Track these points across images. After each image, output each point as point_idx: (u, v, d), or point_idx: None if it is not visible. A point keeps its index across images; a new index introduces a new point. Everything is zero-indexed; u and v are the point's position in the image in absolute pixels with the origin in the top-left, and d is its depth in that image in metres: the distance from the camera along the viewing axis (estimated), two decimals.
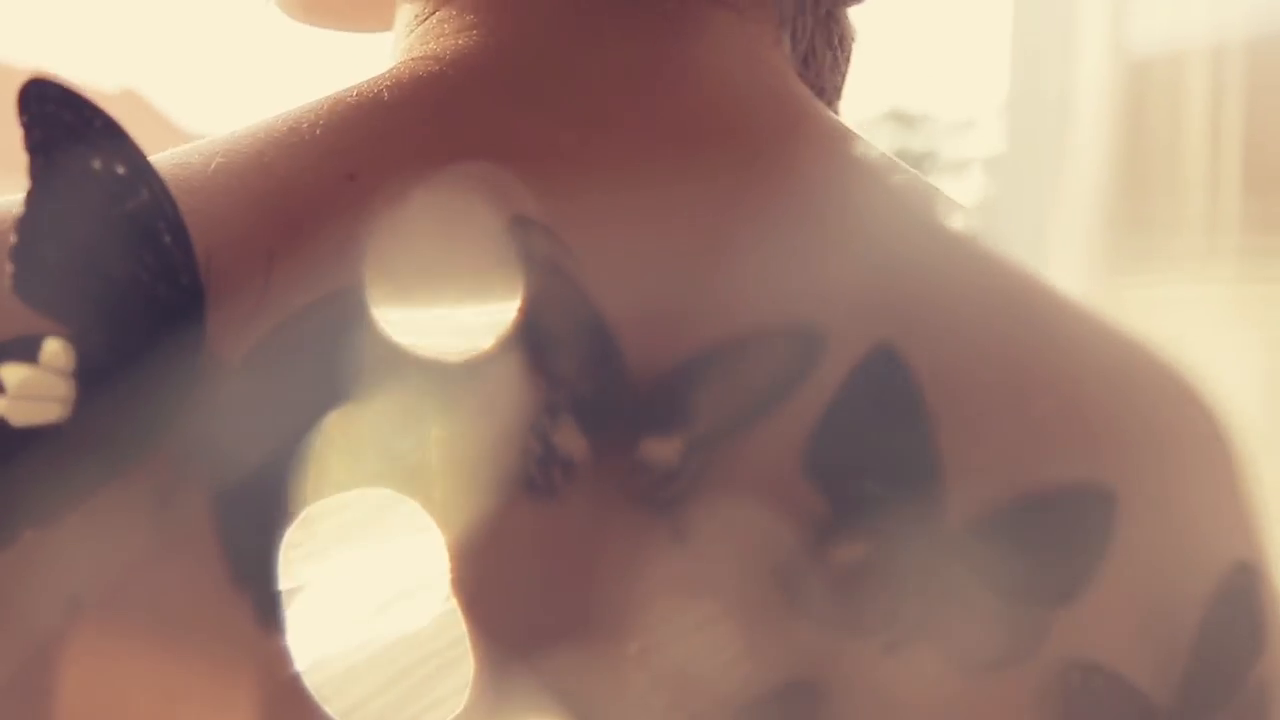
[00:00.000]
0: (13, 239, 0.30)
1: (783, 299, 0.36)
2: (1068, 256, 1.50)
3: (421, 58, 0.39)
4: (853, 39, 0.46)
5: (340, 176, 0.35)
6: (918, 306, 0.37)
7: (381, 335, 0.32)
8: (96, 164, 0.30)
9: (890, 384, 0.35)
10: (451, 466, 0.34)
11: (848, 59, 0.46)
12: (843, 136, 0.40)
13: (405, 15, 0.41)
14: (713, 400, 0.36)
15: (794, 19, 0.43)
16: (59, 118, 0.31)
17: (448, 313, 0.34)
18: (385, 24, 0.45)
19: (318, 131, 0.36)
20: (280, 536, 0.31)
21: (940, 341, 0.36)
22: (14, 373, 0.30)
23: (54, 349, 0.30)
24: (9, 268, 0.30)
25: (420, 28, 0.40)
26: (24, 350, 0.30)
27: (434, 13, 0.40)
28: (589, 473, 0.34)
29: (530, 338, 0.34)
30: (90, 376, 0.30)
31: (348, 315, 0.32)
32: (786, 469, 0.35)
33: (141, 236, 0.31)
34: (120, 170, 0.31)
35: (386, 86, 0.38)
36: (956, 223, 0.40)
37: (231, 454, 0.31)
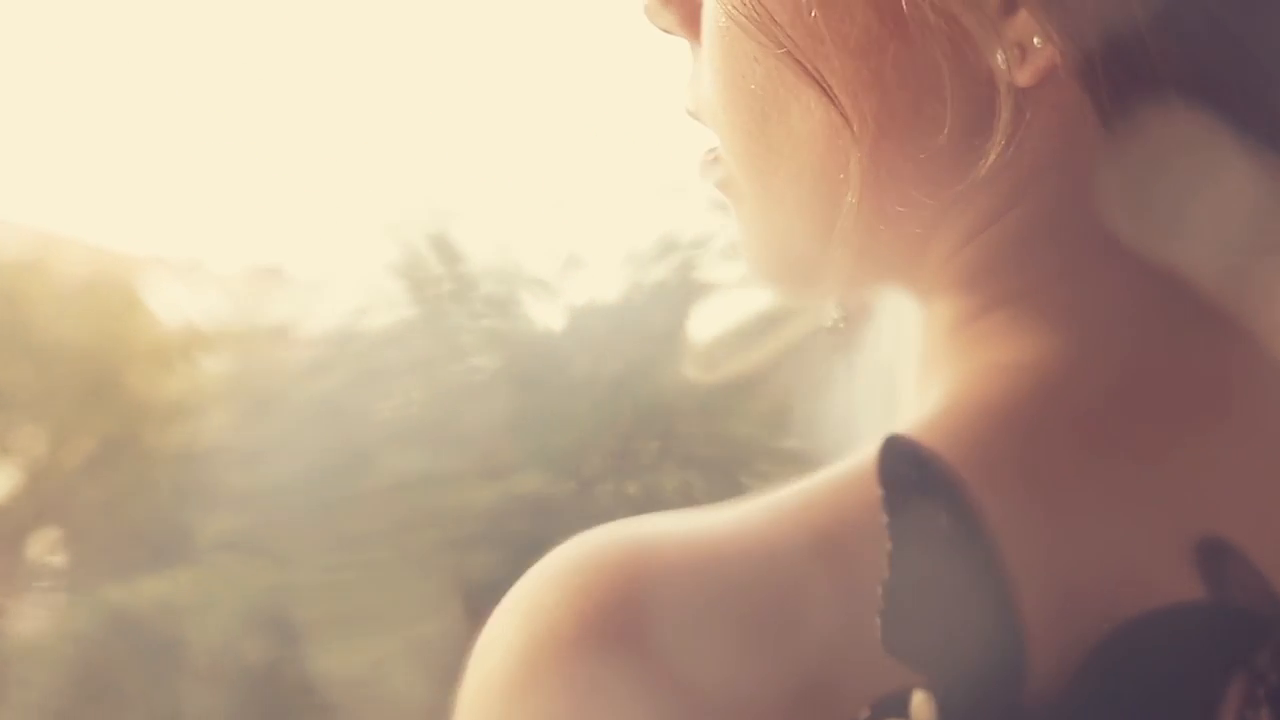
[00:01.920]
0: (881, 599, 0.32)
1: None
2: None
3: (1005, 366, 0.39)
4: None
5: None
6: None
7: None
8: (942, 522, 0.32)
9: None
10: None
11: None
12: None
13: (948, 310, 0.41)
14: None
15: None
16: (909, 478, 0.32)
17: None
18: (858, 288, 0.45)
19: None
20: None
21: None
22: None
23: (920, 701, 0.31)
24: (879, 624, 0.32)
25: (976, 329, 0.41)
26: (897, 706, 0.31)
27: (988, 314, 0.41)
28: None
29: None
30: None
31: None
32: None
33: (978, 590, 0.32)
34: (959, 528, 0.32)
35: (993, 398, 0.38)
36: None
37: None
